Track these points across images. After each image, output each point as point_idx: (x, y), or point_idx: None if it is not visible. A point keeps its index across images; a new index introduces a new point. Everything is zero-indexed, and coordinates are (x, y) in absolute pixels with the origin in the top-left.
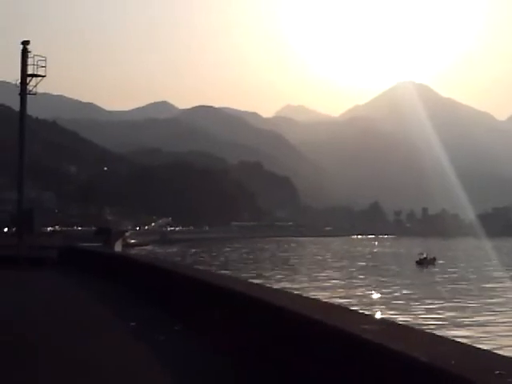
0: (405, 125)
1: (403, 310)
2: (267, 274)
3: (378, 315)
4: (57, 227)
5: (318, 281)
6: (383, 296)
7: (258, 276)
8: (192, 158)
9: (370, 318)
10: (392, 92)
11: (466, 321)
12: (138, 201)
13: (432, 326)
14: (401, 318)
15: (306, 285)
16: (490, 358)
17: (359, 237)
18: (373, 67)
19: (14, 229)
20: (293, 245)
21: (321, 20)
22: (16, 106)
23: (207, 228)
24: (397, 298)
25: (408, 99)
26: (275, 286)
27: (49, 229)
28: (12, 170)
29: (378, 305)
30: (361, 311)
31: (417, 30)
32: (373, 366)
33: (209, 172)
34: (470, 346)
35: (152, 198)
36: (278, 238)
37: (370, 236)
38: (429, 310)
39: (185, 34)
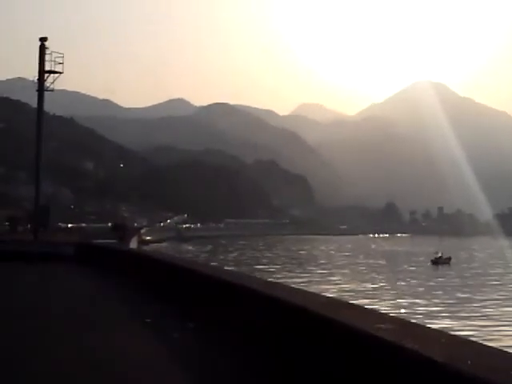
0: (421, 124)
1: (414, 309)
2: (289, 274)
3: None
4: (73, 224)
5: (331, 278)
6: (396, 293)
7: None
8: (208, 155)
9: (384, 317)
10: (409, 91)
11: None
12: (153, 198)
13: (443, 325)
14: (413, 317)
15: (325, 286)
16: (506, 358)
17: (374, 236)
18: (390, 66)
19: (29, 225)
20: (307, 243)
21: (339, 18)
22: (33, 103)
23: (222, 225)
24: (410, 296)
25: (425, 98)
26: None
27: (65, 225)
28: (29, 166)
29: (391, 303)
30: (373, 309)
31: (435, 29)
32: (388, 366)
33: (224, 170)
34: (485, 345)
35: (168, 195)
36: (292, 236)
37: (385, 235)
38: (442, 309)
39: (202, 31)
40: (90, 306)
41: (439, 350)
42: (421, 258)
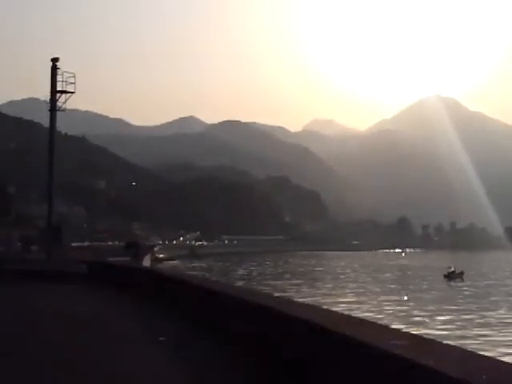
0: (432, 138)
1: (427, 323)
2: (304, 290)
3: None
4: (86, 242)
5: (345, 293)
6: (409, 309)
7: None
8: (220, 172)
9: (399, 333)
10: (419, 105)
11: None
12: (166, 215)
13: (458, 341)
14: (425, 332)
15: (342, 299)
16: None
17: (387, 251)
18: (399, 80)
19: (41, 245)
20: (321, 259)
21: (347, 34)
22: (45, 122)
23: (235, 242)
24: (423, 311)
25: (435, 113)
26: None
27: (78, 244)
28: (41, 186)
29: (404, 319)
30: (387, 325)
31: (445, 43)
32: (403, 382)
33: (236, 186)
34: (500, 361)
35: (180, 213)
36: (305, 252)
37: (397, 250)
38: (455, 325)
39: (212, 49)
40: (102, 321)
41: (454, 366)
42: (433, 273)
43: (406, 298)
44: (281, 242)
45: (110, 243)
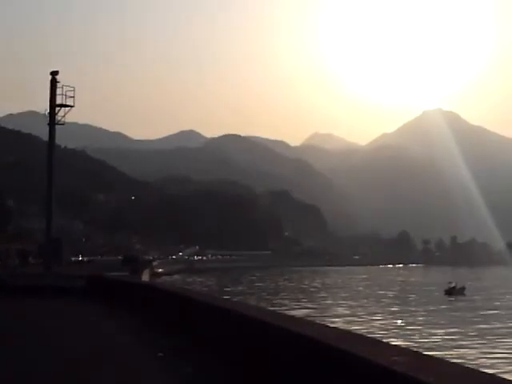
0: (433, 153)
1: (427, 341)
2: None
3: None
4: (84, 257)
5: (338, 309)
6: (408, 325)
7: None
8: (219, 186)
9: (399, 349)
10: (420, 120)
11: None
12: (165, 230)
13: (458, 357)
14: (425, 349)
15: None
16: None
17: (387, 266)
18: (400, 95)
19: (40, 259)
20: (321, 274)
21: (348, 48)
22: (45, 136)
23: (234, 257)
24: (422, 327)
25: (436, 127)
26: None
27: (76, 258)
28: (40, 199)
29: (403, 335)
30: (387, 342)
31: (444, 58)
32: None
33: (236, 201)
34: (502, 378)
35: (180, 227)
36: (305, 268)
37: (398, 265)
38: (455, 341)
39: (211, 63)
40: (100, 337)
41: (454, 383)
42: (434, 288)
43: (400, 322)
44: (280, 256)
45: (112, 257)
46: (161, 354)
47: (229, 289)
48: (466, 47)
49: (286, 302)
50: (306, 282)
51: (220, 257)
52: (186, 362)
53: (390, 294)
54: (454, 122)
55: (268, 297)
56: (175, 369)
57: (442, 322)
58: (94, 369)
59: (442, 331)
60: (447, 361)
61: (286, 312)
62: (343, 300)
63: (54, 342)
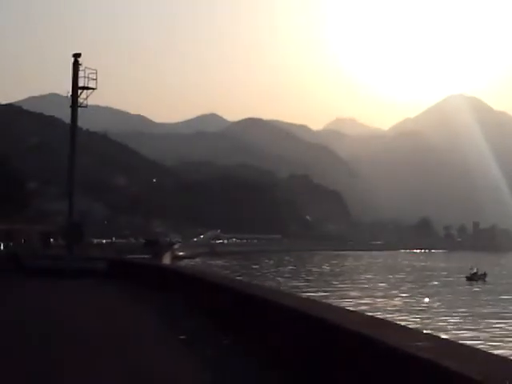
0: (456, 138)
1: (449, 327)
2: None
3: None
4: (106, 240)
5: (369, 292)
6: (429, 310)
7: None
8: (240, 171)
9: (421, 335)
10: (443, 105)
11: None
12: (186, 213)
13: (479, 343)
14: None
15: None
16: None
17: (408, 251)
18: (423, 80)
19: (62, 241)
20: (342, 258)
21: (370, 34)
22: (67, 118)
23: (256, 241)
24: (443, 313)
25: (459, 112)
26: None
27: (98, 241)
28: (62, 182)
29: (425, 321)
30: (409, 327)
31: (468, 42)
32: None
33: (258, 185)
34: None
35: (200, 211)
36: (326, 252)
37: (419, 250)
38: (477, 327)
39: (233, 47)
40: (122, 319)
41: (476, 368)
42: (455, 274)
43: (427, 299)
44: (302, 241)
45: (132, 240)
46: (183, 337)
47: (249, 271)
48: (491, 32)
49: (308, 285)
50: (327, 265)
51: (240, 240)
52: (207, 345)
53: (410, 278)
54: (477, 108)
55: (288, 280)
56: (197, 351)
57: (463, 307)
58: (114, 345)
59: (462, 316)
60: (471, 346)
61: (308, 295)
62: (364, 284)
63: (78, 319)
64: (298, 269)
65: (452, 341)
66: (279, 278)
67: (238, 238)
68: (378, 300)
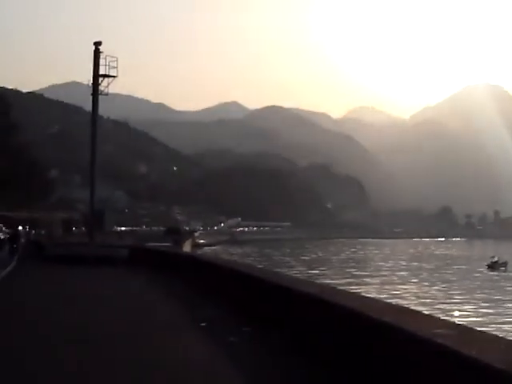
0: (477, 127)
1: (469, 314)
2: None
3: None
4: (125, 228)
5: (388, 280)
6: (450, 298)
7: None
8: (261, 158)
9: (441, 322)
10: (464, 93)
11: None
12: (206, 201)
13: (500, 331)
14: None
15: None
16: None
17: (429, 239)
18: (444, 68)
19: (84, 228)
20: (361, 246)
21: (391, 20)
22: (87, 106)
23: (277, 229)
24: (464, 301)
25: (481, 101)
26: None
27: (119, 228)
28: (84, 170)
29: (444, 308)
30: (430, 314)
31: (492, 30)
32: (446, 372)
33: (278, 173)
34: None
35: (221, 199)
36: (346, 240)
37: (440, 239)
38: (497, 315)
39: (255, 35)
40: (142, 306)
41: (498, 356)
42: (476, 262)
43: (447, 287)
44: (322, 229)
45: (152, 228)
46: (203, 324)
47: (269, 259)
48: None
49: (327, 272)
50: (348, 253)
51: (260, 228)
52: (229, 333)
53: (430, 266)
54: (499, 96)
55: (308, 267)
56: (218, 338)
57: (483, 295)
58: (138, 328)
59: (483, 303)
60: (490, 334)
61: (328, 283)
62: (384, 271)
63: (104, 303)
64: (317, 256)
65: (473, 328)
66: (299, 266)
67: (257, 226)
68: (398, 287)
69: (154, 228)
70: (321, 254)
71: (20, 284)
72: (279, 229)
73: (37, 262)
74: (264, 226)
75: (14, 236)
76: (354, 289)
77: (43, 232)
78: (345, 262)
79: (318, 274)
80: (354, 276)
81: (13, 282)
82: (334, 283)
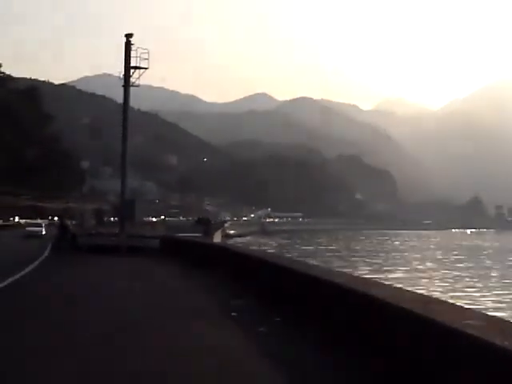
0: (507, 119)
1: (498, 305)
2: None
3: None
4: (155, 218)
5: (419, 270)
6: (478, 289)
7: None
8: (290, 150)
9: (472, 313)
10: (495, 86)
11: None
12: (236, 192)
13: None
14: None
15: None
16: None
17: (458, 230)
18: (475, 60)
19: (115, 218)
20: (391, 237)
21: (421, 11)
22: (118, 98)
23: (306, 220)
24: (493, 292)
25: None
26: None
27: (150, 219)
28: (115, 161)
29: (474, 299)
30: (460, 305)
31: None
32: (476, 363)
33: (308, 164)
34: None
35: (251, 190)
36: (376, 231)
37: (469, 230)
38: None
39: (285, 26)
40: (173, 296)
41: None
42: (508, 253)
43: (478, 278)
44: (351, 220)
45: (182, 218)
46: (234, 314)
47: (299, 250)
48: None
49: (357, 263)
50: (376, 244)
51: (289, 219)
52: (260, 324)
53: (458, 257)
54: None
55: (338, 258)
56: (249, 328)
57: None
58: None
59: None
60: None
61: (358, 274)
62: (414, 261)
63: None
64: (347, 247)
65: (503, 319)
66: (329, 257)
67: (287, 217)
68: (427, 278)
69: (185, 218)
70: (368, 245)
71: (58, 273)
72: (308, 219)
73: (69, 253)
74: (293, 217)
75: (62, 227)
76: (385, 280)
77: (74, 222)
78: (374, 252)
79: (346, 266)
80: (386, 267)
81: (51, 273)
82: (365, 274)
